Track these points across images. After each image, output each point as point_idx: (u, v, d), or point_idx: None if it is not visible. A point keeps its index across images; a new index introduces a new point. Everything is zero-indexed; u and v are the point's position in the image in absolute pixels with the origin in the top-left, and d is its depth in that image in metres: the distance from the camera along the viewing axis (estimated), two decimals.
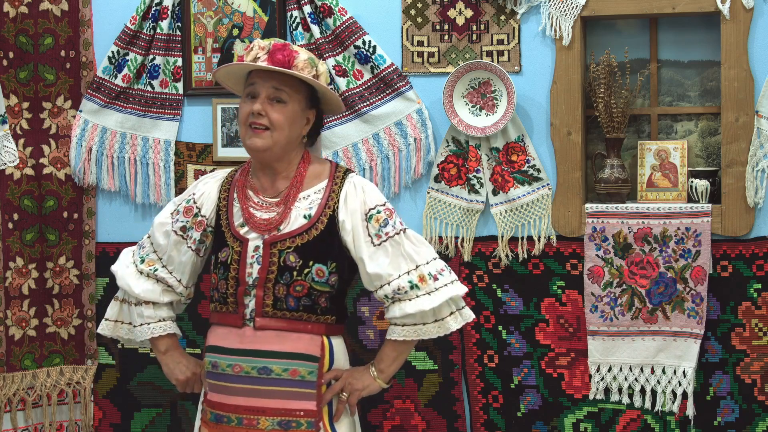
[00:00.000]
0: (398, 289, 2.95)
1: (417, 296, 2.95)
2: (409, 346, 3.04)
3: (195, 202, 3.08)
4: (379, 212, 2.99)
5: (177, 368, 3.15)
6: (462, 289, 3.01)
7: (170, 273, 3.11)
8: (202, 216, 3.05)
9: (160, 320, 3.12)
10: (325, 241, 2.95)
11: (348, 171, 3.07)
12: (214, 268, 3.03)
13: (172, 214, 3.12)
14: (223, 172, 3.15)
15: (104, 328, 3.25)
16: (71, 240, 3.99)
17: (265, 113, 2.92)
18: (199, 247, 3.08)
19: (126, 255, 3.21)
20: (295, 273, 2.92)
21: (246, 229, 2.97)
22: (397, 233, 2.99)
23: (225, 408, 2.95)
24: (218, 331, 3.02)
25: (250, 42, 3.75)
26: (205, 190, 3.09)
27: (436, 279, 2.96)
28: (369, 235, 2.97)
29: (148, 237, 3.17)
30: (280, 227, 2.95)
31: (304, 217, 2.95)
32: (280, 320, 2.93)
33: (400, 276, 2.95)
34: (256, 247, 2.94)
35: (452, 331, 3.00)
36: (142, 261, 3.13)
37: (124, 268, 3.16)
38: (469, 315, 3.03)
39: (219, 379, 2.97)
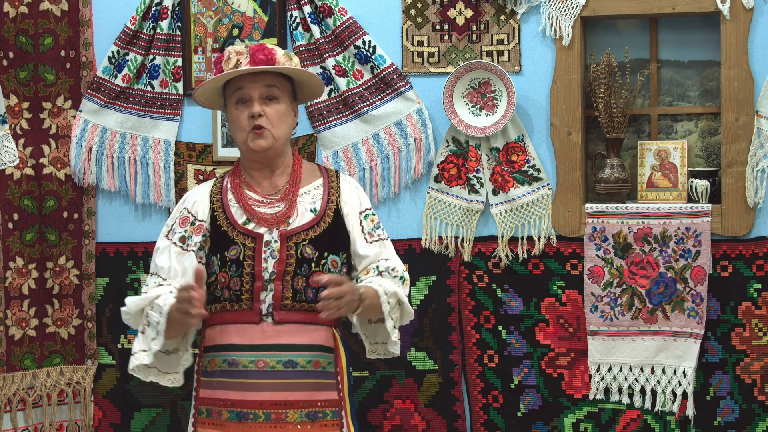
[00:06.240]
0: (392, 269, 3.01)
1: (402, 286, 3.02)
2: (377, 310, 2.95)
3: (189, 211, 3.05)
4: (373, 214, 3.10)
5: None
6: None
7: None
8: (200, 221, 3.03)
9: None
10: (335, 233, 3.00)
11: (337, 171, 3.14)
12: (222, 268, 2.97)
13: (167, 236, 3.06)
14: (210, 181, 3.14)
15: (140, 360, 2.94)
16: (71, 240, 3.99)
17: (263, 113, 2.95)
18: (199, 253, 3.02)
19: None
20: (313, 264, 2.95)
21: (252, 225, 2.98)
22: (386, 238, 3.10)
23: (249, 405, 2.92)
24: (228, 329, 2.98)
25: (250, 42, 3.76)
26: (197, 198, 3.07)
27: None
28: (363, 231, 3.05)
29: (151, 275, 3.04)
30: (288, 221, 2.97)
31: (311, 211, 3.00)
32: (299, 313, 2.94)
33: (393, 260, 3.05)
34: (267, 242, 2.95)
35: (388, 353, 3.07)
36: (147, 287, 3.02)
37: (130, 300, 2.98)
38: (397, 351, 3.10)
39: (239, 377, 2.94)
